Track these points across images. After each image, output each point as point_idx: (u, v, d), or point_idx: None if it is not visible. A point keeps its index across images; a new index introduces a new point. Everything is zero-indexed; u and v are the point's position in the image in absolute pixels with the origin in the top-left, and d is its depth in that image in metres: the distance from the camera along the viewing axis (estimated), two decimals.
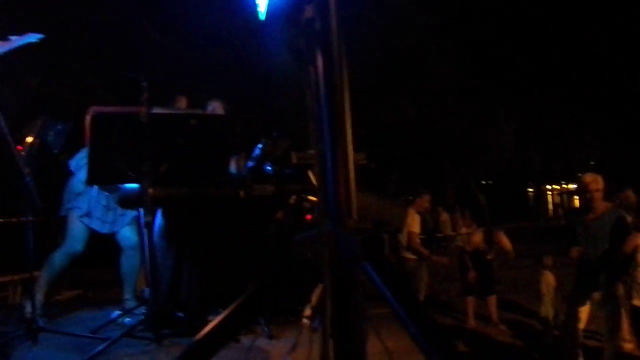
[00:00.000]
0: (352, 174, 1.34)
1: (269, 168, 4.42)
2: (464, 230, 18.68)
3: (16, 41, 2.77)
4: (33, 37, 2.81)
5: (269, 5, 1.95)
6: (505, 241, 8.87)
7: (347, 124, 1.35)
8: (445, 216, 20.01)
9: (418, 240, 8.73)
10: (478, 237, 9.01)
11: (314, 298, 1.91)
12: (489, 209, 29.56)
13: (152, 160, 3.73)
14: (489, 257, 8.91)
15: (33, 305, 4.19)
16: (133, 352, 3.70)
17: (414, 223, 8.81)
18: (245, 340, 3.70)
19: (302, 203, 3.93)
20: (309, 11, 1.66)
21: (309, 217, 4.03)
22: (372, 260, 1.19)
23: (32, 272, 4.26)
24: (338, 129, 1.32)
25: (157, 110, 3.92)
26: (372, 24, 21.38)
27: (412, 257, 8.79)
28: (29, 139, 3.89)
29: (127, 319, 4.54)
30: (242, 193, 4.15)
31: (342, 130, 1.33)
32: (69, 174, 4.78)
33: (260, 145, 4.31)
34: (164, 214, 4.42)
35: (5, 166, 3.31)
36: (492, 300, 8.97)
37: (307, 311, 2.04)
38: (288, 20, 1.79)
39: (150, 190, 3.76)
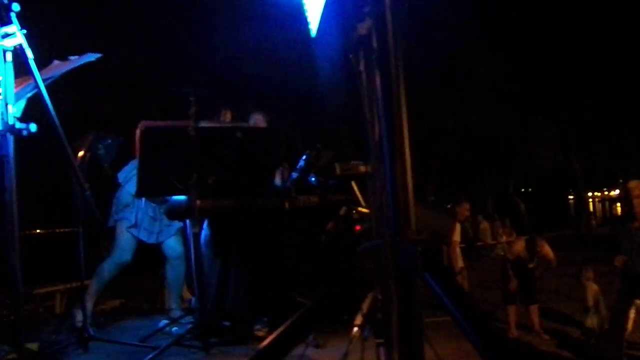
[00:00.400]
0: (410, 187, 1.37)
1: (313, 179, 4.47)
2: (504, 238, 18.53)
3: (75, 61, 2.87)
4: (92, 57, 2.90)
5: (320, 22, 2.00)
6: (548, 250, 8.77)
7: (405, 139, 1.39)
8: (485, 225, 19.84)
9: (458, 250, 8.67)
10: (520, 246, 8.92)
11: (365, 307, 1.95)
12: (529, 217, 29.20)
13: (200, 173, 3.80)
14: (531, 265, 8.83)
15: (84, 314, 4.29)
16: (180, 358, 3.77)
17: (456, 232, 8.76)
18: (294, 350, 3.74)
19: (351, 214, 3.97)
20: (362, 28, 1.71)
21: (358, 227, 4.07)
22: (431, 270, 1.23)
23: (83, 281, 4.36)
24: (396, 145, 1.35)
25: (204, 123, 4.00)
26: (409, 32, 21.36)
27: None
28: (81, 153, 4.00)
29: (174, 328, 4.62)
30: (287, 204, 4.20)
31: (401, 146, 1.36)
32: (117, 186, 4.90)
33: (304, 157, 4.36)
34: (210, 225, 4.49)
35: (64, 179, 3.41)
36: (534, 309, 8.86)
37: (358, 320, 2.08)
38: (342, 37, 1.84)
39: (198, 202, 3.83)
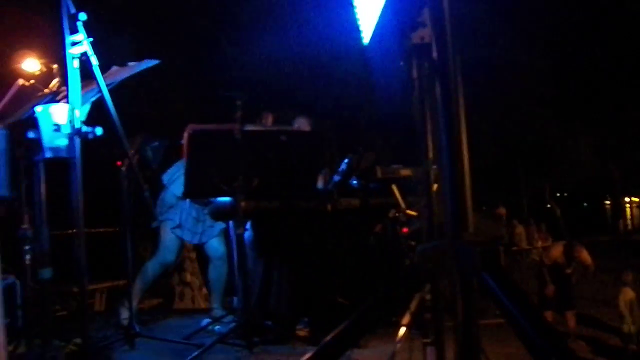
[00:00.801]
0: (468, 191, 1.42)
1: (355, 182, 4.53)
2: (539, 243, 18.36)
3: (135, 67, 2.97)
4: (150, 63, 3.00)
5: (374, 30, 2.06)
6: (586, 255, 8.70)
7: (464, 145, 1.44)
8: (520, 229, 19.66)
9: None
10: (557, 251, 8.87)
11: (413, 307, 2.00)
12: (565, 222, 28.87)
13: (245, 175, 3.89)
14: (568, 271, 8.77)
15: (131, 312, 4.41)
16: (226, 358, 3.85)
17: None
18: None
19: (398, 216, 4.03)
20: (416, 37, 1.77)
21: (405, 230, 4.13)
22: (490, 271, 1.27)
23: (129, 280, 4.48)
24: (456, 150, 1.41)
25: (249, 127, 4.09)
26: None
27: None
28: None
29: (217, 327, 4.71)
30: (329, 206, 4.28)
31: (460, 151, 1.42)
32: (162, 187, 5.02)
33: (346, 160, 4.42)
34: (253, 226, 4.58)
35: (111, 180, 3.53)
36: (571, 315, 8.81)
37: (406, 320, 2.13)
38: (395, 45, 1.90)
39: (242, 204, 3.92)
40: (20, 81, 3.36)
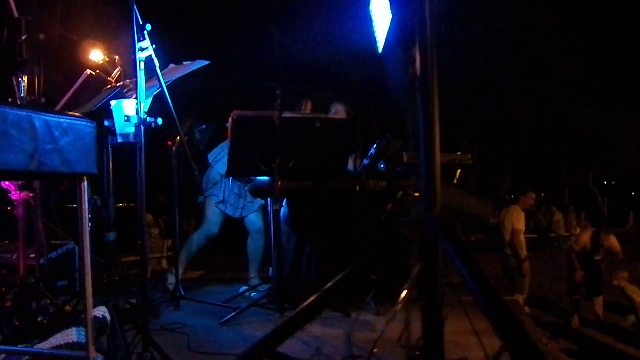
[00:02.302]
0: (438, 176, 1.84)
1: (382, 166, 4.93)
2: (577, 231, 18.40)
3: (189, 66, 3.42)
4: (202, 63, 3.44)
5: (386, 41, 2.46)
6: (613, 242, 8.91)
7: (436, 138, 1.85)
8: (559, 216, 19.76)
9: (522, 239, 8.83)
10: (586, 237, 9.10)
11: (415, 273, 2.41)
12: (607, 210, 28.60)
13: (282, 157, 4.34)
14: (597, 258, 9.02)
15: (177, 278, 4.93)
16: (259, 320, 4.31)
17: (519, 221, 8.91)
18: (355, 315, 4.28)
19: (407, 197, 4.43)
20: (413, 52, 2.18)
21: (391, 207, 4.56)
22: (449, 239, 1.70)
23: (178, 251, 5.01)
24: (429, 142, 1.82)
25: (287, 114, 4.51)
26: (492, 20, 21.33)
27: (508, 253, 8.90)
28: (179, 137, 4.61)
29: (253, 294, 5.20)
30: (357, 187, 4.70)
31: (433, 143, 1.83)
32: (208, 165, 5.51)
33: (375, 146, 4.82)
34: (289, 204, 5.03)
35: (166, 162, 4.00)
36: (599, 301, 9.08)
37: (407, 285, 2.54)
38: (402, 54, 2.32)
39: (279, 183, 4.38)
40: (88, 71, 3.85)
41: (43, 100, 3.71)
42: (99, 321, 2.58)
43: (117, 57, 4.04)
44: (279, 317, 4.34)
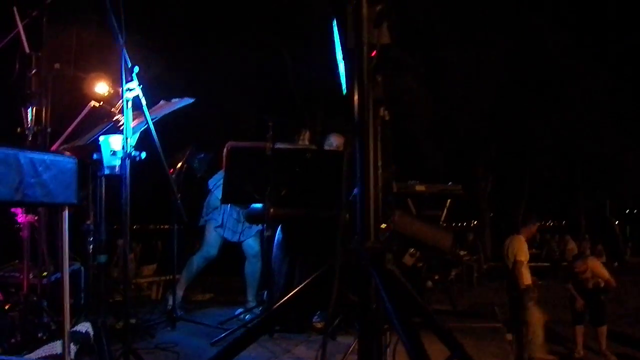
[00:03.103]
0: (371, 210, 2.05)
1: None
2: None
3: (177, 103, 3.68)
4: (188, 101, 3.71)
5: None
6: (599, 270, 9.04)
7: (370, 178, 2.07)
8: (572, 245, 19.78)
9: (524, 270, 8.87)
10: (581, 266, 9.23)
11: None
12: (624, 239, 28.43)
13: (275, 186, 4.57)
14: (589, 286, 9.13)
15: (174, 299, 5.17)
16: None
17: (522, 251, 8.96)
18: (340, 339, 4.47)
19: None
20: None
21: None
22: (377, 269, 1.91)
23: (174, 274, 5.25)
24: (364, 182, 2.05)
25: (279, 145, 4.75)
26: (509, 47, 21.52)
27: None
28: (179, 165, 4.89)
29: (247, 316, 5.41)
30: (347, 215, 4.90)
31: (367, 183, 2.05)
32: (208, 191, 5.77)
33: None
34: (282, 230, 5.26)
35: (161, 187, 4.25)
36: (602, 330, 9.19)
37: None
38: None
39: (272, 210, 4.61)
40: (92, 103, 4.12)
41: (49, 130, 3.98)
42: (82, 335, 2.81)
43: (120, 89, 4.31)
44: (268, 339, 4.54)
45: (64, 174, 2.11)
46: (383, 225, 3.65)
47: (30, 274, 4.11)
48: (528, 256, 8.97)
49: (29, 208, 3.99)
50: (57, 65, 4.63)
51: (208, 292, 8.20)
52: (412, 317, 2.17)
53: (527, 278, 8.76)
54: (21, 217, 4.01)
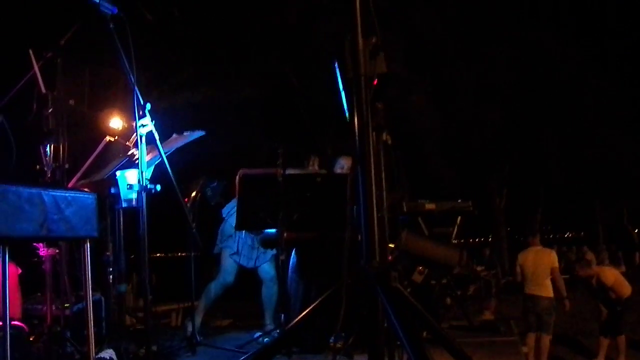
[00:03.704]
0: (374, 230, 2.16)
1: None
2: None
3: (189, 136, 3.83)
4: (199, 134, 3.87)
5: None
6: (605, 277, 9.06)
7: (372, 200, 2.18)
8: (590, 255, 19.70)
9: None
10: (587, 272, 9.33)
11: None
12: None
13: (287, 210, 4.69)
14: (613, 296, 9.16)
15: (193, 325, 5.29)
16: None
17: (556, 259, 8.99)
18: (357, 357, 4.55)
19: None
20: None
21: (390, 257, 4.84)
22: (382, 286, 2.02)
23: (193, 300, 5.37)
24: (367, 203, 2.16)
25: (290, 171, 4.87)
26: (517, 61, 21.61)
27: (545, 295, 8.91)
28: (193, 194, 5.03)
29: (266, 339, 5.51)
30: (359, 236, 5.00)
31: (370, 204, 2.16)
32: (222, 219, 5.90)
33: None
34: (296, 253, 5.37)
35: (176, 215, 4.39)
36: (621, 340, 9.19)
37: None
38: None
39: (285, 234, 4.73)
40: (108, 138, 4.27)
41: (67, 166, 4.13)
42: None
43: (134, 123, 4.47)
44: None
45: (84, 210, 2.26)
46: (391, 245, 3.77)
47: (53, 306, 4.23)
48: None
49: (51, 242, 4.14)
50: (71, 102, 4.80)
51: (227, 318, 8.29)
52: (421, 332, 2.28)
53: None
54: (43, 250, 4.16)
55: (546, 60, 22.18)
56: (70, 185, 4.03)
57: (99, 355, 3.14)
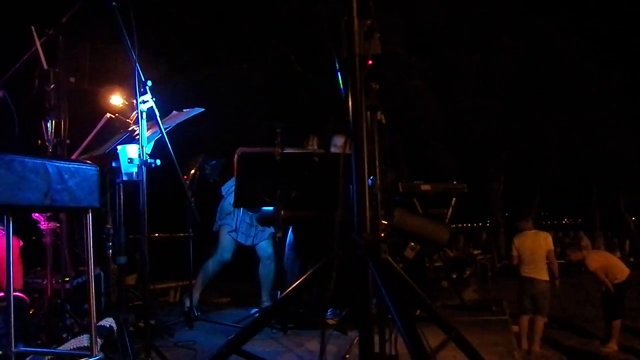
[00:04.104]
0: (366, 205, 2.24)
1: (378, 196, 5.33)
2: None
3: (188, 113, 3.90)
4: (198, 110, 3.93)
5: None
6: (589, 261, 9.21)
7: (364, 178, 2.26)
8: (586, 241, 19.86)
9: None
10: (578, 255, 9.49)
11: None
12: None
13: (284, 189, 4.77)
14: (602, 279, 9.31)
15: (191, 301, 5.39)
16: (264, 338, 4.71)
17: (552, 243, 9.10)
18: (352, 333, 4.65)
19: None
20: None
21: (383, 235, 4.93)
22: (372, 258, 2.10)
23: (191, 279, 5.47)
24: (359, 181, 2.24)
25: (288, 150, 4.95)
26: (519, 49, 21.63)
27: (541, 278, 9.02)
28: (192, 171, 5.11)
29: None
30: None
31: (362, 182, 2.25)
32: (221, 197, 5.98)
33: (372, 177, 5.22)
34: (293, 231, 5.46)
35: (176, 193, 4.46)
36: (616, 324, 9.35)
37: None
38: None
39: (282, 212, 4.81)
40: (108, 115, 4.34)
41: (68, 141, 4.21)
42: (106, 329, 3.03)
43: (134, 101, 4.53)
44: (283, 336, 4.74)
45: (86, 181, 2.33)
46: (384, 222, 3.86)
47: (53, 280, 4.31)
48: None
49: (52, 215, 4.22)
50: (72, 79, 4.86)
51: (225, 297, 8.40)
52: (409, 303, 2.37)
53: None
54: (44, 224, 4.23)
55: (547, 48, 22.19)
56: (71, 159, 4.11)
57: (99, 324, 3.22)
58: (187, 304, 5.73)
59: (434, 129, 20.73)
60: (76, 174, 2.30)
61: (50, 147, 4.11)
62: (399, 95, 15.24)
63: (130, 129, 3.71)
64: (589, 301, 10.71)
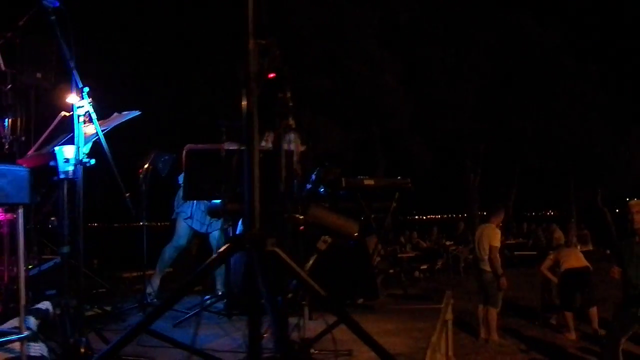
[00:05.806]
0: (255, 203, 2.56)
1: (322, 190, 5.67)
2: (577, 247, 18.97)
3: (126, 115, 4.21)
4: (135, 113, 4.25)
5: None
6: (562, 256, 9.68)
7: (255, 175, 2.58)
8: (559, 233, 20.22)
9: (497, 256, 9.41)
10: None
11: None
12: (616, 228, 28.82)
13: (229, 183, 5.09)
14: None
15: (144, 288, 5.72)
16: (209, 323, 5.06)
17: (496, 238, 9.50)
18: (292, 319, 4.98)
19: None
20: None
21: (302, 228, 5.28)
22: (257, 251, 2.43)
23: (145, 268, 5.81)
24: (250, 178, 2.56)
25: (232, 146, 5.27)
26: (493, 43, 21.96)
27: (489, 270, 9.50)
28: (145, 166, 5.44)
29: (213, 300, 5.95)
30: (299, 209, 5.43)
31: (252, 179, 2.57)
32: (178, 186, 6.29)
33: (315, 172, 5.56)
34: (243, 223, 5.79)
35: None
36: (568, 315, 9.82)
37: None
38: None
39: (228, 205, 5.14)
40: (63, 113, 4.64)
41: (23, 138, 4.51)
42: (42, 312, 3.36)
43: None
44: (227, 321, 5.09)
45: (17, 180, 2.66)
46: (301, 217, 4.21)
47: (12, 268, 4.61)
48: (500, 244, 9.52)
49: (8, 207, 4.51)
50: (39, 75, 5.16)
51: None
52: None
53: (499, 267, 9.34)
54: (1, 215, 4.53)
55: (523, 42, 22.57)
56: (28, 154, 4.41)
57: (36, 306, 3.55)
58: (148, 290, 6.04)
59: (410, 123, 21.11)
60: (7, 174, 2.63)
61: (7, 143, 4.41)
62: (368, 90, 15.62)
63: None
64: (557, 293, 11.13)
